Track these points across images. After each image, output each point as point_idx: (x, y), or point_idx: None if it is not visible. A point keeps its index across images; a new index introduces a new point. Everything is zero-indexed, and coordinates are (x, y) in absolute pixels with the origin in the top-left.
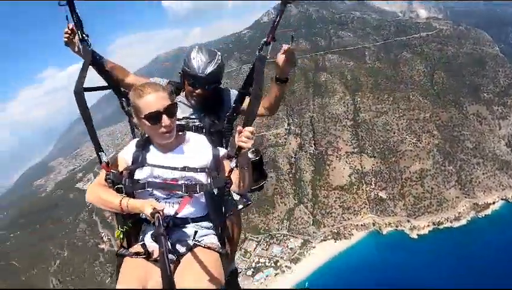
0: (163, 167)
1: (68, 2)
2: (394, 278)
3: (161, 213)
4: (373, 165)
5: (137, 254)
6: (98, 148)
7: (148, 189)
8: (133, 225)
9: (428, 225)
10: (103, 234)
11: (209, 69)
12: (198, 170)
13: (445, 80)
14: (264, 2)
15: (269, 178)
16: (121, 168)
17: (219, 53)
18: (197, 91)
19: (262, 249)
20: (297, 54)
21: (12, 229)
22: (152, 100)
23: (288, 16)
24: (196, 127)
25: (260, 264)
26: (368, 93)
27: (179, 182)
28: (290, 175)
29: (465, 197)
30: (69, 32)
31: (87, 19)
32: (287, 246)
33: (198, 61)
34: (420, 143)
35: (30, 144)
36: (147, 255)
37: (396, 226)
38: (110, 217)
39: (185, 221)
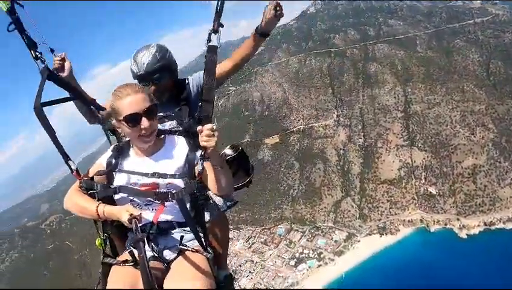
0: (135, 172)
1: (16, 27)
2: (439, 278)
3: (138, 219)
4: (423, 159)
5: (125, 262)
6: (66, 158)
7: (124, 195)
8: (117, 231)
9: (479, 225)
10: None
11: (146, 64)
12: (169, 176)
13: (502, 69)
14: None
15: (317, 170)
16: (95, 175)
17: (153, 44)
18: (151, 89)
19: (307, 240)
20: (346, 44)
21: (68, 213)
22: (131, 101)
23: (335, 6)
24: (175, 130)
25: (304, 255)
26: (420, 84)
27: (151, 188)
28: (338, 167)
29: None
30: (59, 59)
31: (135, 16)
32: (332, 239)
33: (137, 63)
34: (474, 137)
35: (84, 137)
36: (135, 262)
37: (445, 224)
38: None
39: (171, 226)
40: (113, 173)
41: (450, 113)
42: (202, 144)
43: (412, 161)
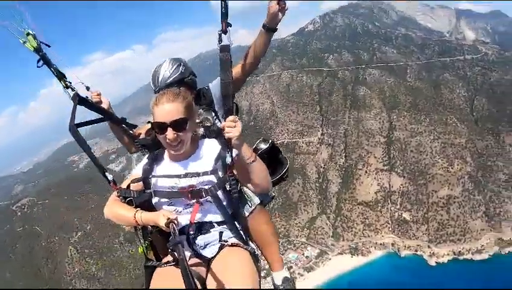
0: (169, 176)
1: (44, 62)
2: None
3: (175, 222)
4: (401, 185)
5: (167, 263)
6: (103, 171)
7: (161, 199)
8: (159, 236)
9: (448, 254)
10: None
11: (161, 80)
12: (201, 174)
13: (485, 106)
14: (309, 10)
15: (296, 185)
16: (131, 183)
17: (167, 59)
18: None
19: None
20: (339, 65)
21: (41, 197)
22: (162, 110)
23: (333, 27)
24: (209, 132)
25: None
26: (405, 112)
27: (186, 189)
28: (317, 184)
29: (491, 230)
30: (96, 95)
31: (134, 12)
32: (303, 254)
33: (154, 79)
34: (452, 168)
35: (65, 128)
36: (177, 262)
37: (416, 250)
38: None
39: (210, 225)
40: (149, 179)
41: (431, 144)
42: (226, 135)
43: (389, 185)
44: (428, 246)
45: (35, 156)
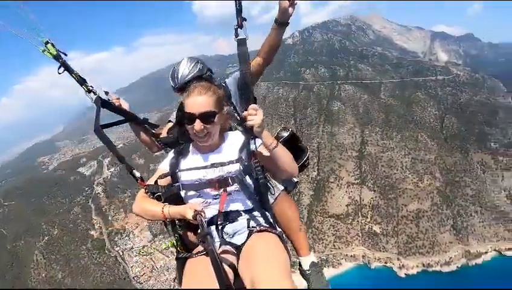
0: (196, 168)
1: (65, 69)
2: None
3: (202, 214)
4: (372, 198)
5: (197, 253)
6: (130, 169)
7: (189, 191)
8: (188, 229)
9: (417, 266)
10: (95, 221)
11: (179, 78)
12: (227, 163)
13: (455, 125)
14: (290, 24)
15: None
16: (158, 179)
17: (184, 58)
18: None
19: None
20: (315, 79)
21: (8, 198)
22: (192, 101)
23: (311, 42)
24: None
25: None
26: (377, 128)
27: (213, 180)
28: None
29: (458, 243)
30: (116, 99)
31: (115, 12)
32: None
33: (172, 78)
34: (421, 183)
35: (41, 121)
36: (208, 253)
37: (386, 262)
38: (106, 207)
39: (237, 214)
40: (176, 173)
41: (401, 159)
42: (248, 123)
43: (360, 199)
44: (398, 258)
45: (4, 154)
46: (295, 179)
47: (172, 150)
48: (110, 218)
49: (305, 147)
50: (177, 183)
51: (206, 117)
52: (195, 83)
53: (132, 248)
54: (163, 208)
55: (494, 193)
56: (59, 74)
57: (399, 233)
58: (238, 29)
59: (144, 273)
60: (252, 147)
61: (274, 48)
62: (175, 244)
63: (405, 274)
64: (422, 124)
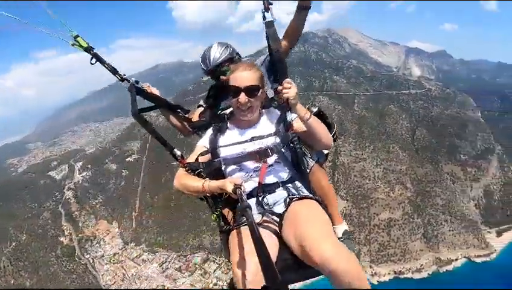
0: (236, 143)
1: (97, 60)
2: None
3: (242, 188)
4: (344, 207)
5: (240, 224)
6: (170, 149)
7: (231, 166)
8: (226, 205)
9: (389, 273)
10: (65, 227)
11: (211, 60)
12: (266, 136)
13: (426, 137)
14: None
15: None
16: (198, 156)
17: (215, 42)
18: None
19: (222, 272)
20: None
21: None
22: (238, 76)
23: (289, 53)
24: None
25: (217, 286)
26: (351, 139)
27: (253, 152)
28: None
29: (429, 251)
30: (147, 87)
31: (93, 12)
32: None
33: (204, 61)
34: (393, 193)
35: (11, 121)
36: None
37: None
38: (76, 212)
39: (277, 185)
40: (216, 149)
41: (373, 169)
42: (284, 96)
43: None
44: (370, 266)
45: None
46: (325, 151)
47: (210, 128)
48: (80, 224)
49: (333, 123)
50: (218, 159)
51: (251, 91)
52: (246, 62)
53: (103, 255)
54: (203, 183)
55: (464, 202)
56: (92, 64)
57: (371, 241)
58: (265, 13)
59: (115, 281)
60: (288, 118)
61: (297, 32)
62: (217, 218)
63: (377, 281)
64: (394, 136)
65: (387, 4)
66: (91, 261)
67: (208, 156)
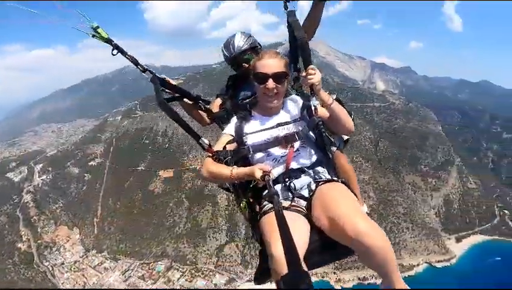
0: (262, 130)
1: (118, 51)
2: None
3: (270, 175)
4: None
5: (269, 210)
6: (197, 137)
7: (259, 153)
8: (254, 195)
9: (353, 279)
10: (23, 233)
11: (235, 47)
12: (292, 122)
13: (388, 148)
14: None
15: (206, 211)
16: (226, 144)
17: (237, 31)
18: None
19: (186, 280)
20: None
21: None
22: (265, 63)
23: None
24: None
25: None
26: None
27: (280, 137)
28: (227, 212)
29: None
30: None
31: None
32: (212, 281)
33: (227, 48)
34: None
35: None
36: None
37: (323, 277)
38: (35, 217)
39: (302, 171)
40: (242, 137)
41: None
42: (309, 82)
43: None
44: (334, 273)
45: None
46: (345, 137)
47: (234, 117)
48: (39, 230)
49: (350, 111)
50: (246, 146)
51: (278, 77)
52: (271, 50)
53: (63, 263)
54: (232, 170)
55: (424, 211)
56: (113, 55)
57: None
58: (287, 2)
59: None
60: (314, 103)
61: (315, 24)
62: (246, 207)
63: (341, 287)
64: (358, 147)
65: (355, 20)
66: (50, 268)
67: (234, 145)
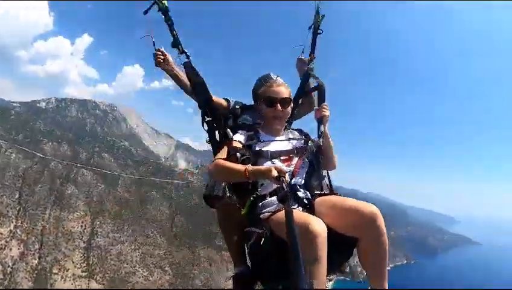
0: (275, 140)
1: (169, 24)
2: None
3: (286, 177)
4: None
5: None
6: (224, 128)
7: (272, 159)
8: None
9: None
10: None
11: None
12: (300, 139)
13: (184, 224)
14: (50, 85)
15: None
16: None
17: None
18: (288, 90)
19: None
20: (55, 153)
21: None
22: (274, 89)
23: (64, 115)
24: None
25: None
26: (109, 220)
27: (292, 150)
28: (1, 287)
29: None
30: (161, 54)
31: None
32: None
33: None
34: (151, 277)
35: None
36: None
37: None
38: None
39: (300, 186)
40: (252, 146)
41: (132, 253)
42: (323, 114)
43: None
44: None
45: None
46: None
47: (242, 131)
48: None
49: None
50: (265, 150)
51: (286, 102)
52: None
53: None
54: (246, 168)
55: (221, 282)
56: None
57: None
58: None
59: None
60: (321, 130)
61: (311, 110)
62: (251, 203)
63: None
64: (153, 221)
65: (171, 101)
66: None
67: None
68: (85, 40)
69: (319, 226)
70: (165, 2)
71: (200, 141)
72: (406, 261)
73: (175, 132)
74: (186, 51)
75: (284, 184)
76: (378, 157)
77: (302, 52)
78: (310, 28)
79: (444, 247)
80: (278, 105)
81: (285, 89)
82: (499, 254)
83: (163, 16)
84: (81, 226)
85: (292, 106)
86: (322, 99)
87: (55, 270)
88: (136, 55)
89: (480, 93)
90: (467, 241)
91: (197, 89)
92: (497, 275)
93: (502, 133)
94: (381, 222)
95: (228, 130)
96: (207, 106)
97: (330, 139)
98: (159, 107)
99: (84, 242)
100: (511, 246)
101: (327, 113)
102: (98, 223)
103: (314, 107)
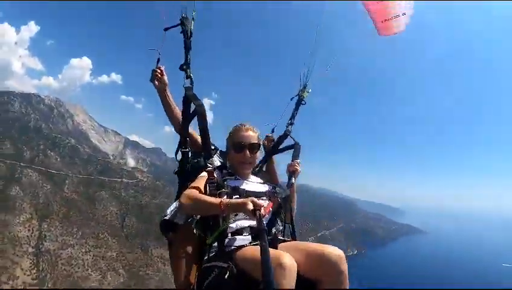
0: (251, 182)
1: (187, 38)
2: None
3: (262, 210)
4: None
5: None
6: (209, 156)
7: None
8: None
9: None
10: None
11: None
12: (274, 186)
13: (135, 224)
14: None
15: None
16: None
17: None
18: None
19: None
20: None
21: None
22: (243, 135)
23: (6, 109)
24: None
25: None
26: (57, 223)
27: (265, 192)
28: None
29: None
30: (159, 73)
31: None
32: None
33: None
34: (105, 280)
35: None
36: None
37: None
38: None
39: (268, 230)
40: (231, 181)
41: (83, 256)
42: (295, 168)
43: None
44: None
45: None
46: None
47: (216, 171)
48: None
49: None
50: (242, 188)
51: (254, 148)
52: (247, 124)
53: None
54: (222, 200)
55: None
56: (185, 31)
57: None
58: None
59: None
60: (292, 182)
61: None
62: (218, 234)
63: None
64: (103, 222)
65: (119, 96)
66: None
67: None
68: (31, 28)
69: (290, 260)
70: (192, 26)
71: (149, 139)
72: (356, 252)
73: (123, 129)
74: (192, 76)
75: (261, 218)
76: (329, 152)
77: (272, 131)
78: (292, 99)
79: (393, 236)
80: (247, 151)
81: (253, 133)
82: (445, 240)
83: (184, 38)
84: (29, 230)
85: (262, 151)
86: (296, 155)
87: (3, 279)
88: (85, 47)
89: (426, 84)
90: (414, 230)
91: (190, 114)
92: (444, 260)
93: (447, 128)
94: (345, 267)
95: (210, 160)
96: (188, 136)
97: (295, 193)
98: (106, 102)
99: (32, 247)
100: (454, 233)
101: (300, 168)
102: (46, 226)
103: (288, 162)
